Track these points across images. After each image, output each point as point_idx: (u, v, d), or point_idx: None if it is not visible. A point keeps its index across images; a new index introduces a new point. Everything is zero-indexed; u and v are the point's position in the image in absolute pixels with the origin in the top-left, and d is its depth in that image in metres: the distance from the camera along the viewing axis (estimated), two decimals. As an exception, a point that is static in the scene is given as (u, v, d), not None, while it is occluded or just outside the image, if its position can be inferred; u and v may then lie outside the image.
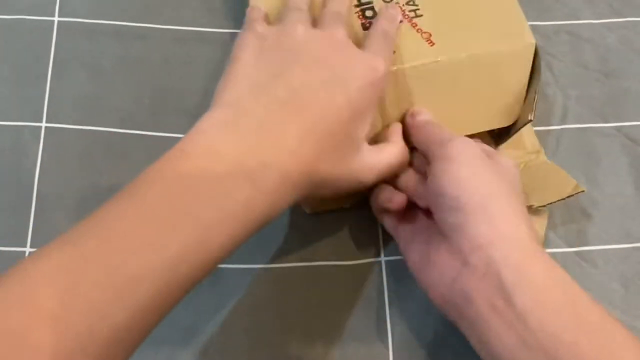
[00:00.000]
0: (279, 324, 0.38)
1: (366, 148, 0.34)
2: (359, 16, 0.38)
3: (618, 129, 0.44)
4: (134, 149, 0.42)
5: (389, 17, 0.37)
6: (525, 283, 0.29)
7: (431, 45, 0.36)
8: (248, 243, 0.40)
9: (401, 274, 0.39)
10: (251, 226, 0.29)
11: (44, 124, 0.42)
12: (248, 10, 0.38)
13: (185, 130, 0.42)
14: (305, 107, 0.31)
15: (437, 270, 0.32)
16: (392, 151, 0.36)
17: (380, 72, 0.33)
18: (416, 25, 0.37)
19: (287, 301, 0.39)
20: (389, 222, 0.38)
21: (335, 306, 0.38)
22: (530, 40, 0.37)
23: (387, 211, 0.37)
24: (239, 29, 0.46)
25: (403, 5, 0.38)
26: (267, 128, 0.30)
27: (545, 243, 0.40)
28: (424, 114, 0.37)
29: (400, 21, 0.37)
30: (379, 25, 0.36)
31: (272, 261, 0.39)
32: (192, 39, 0.46)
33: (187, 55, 0.45)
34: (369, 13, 0.38)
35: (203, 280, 0.29)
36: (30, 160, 0.41)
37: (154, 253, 0.26)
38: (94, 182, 0.41)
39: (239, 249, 0.40)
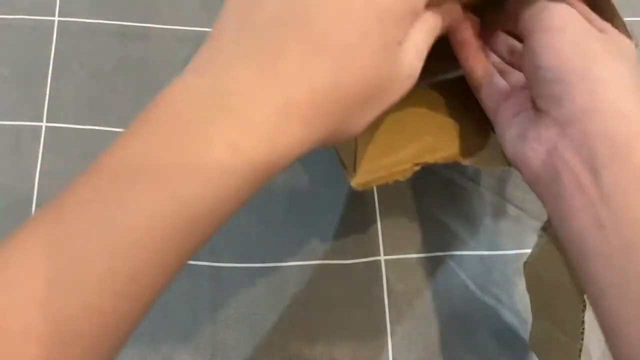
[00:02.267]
0: (279, 324, 0.38)
1: (405, 53, 0.27)
2: None
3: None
4: (134, 149, 0.42)
5: None
6: (619, 162, 0.26)
7: None
8: (248, 243, 0.41)
9: (401, 273, 0.39)
10: (242, 177, 0.23)
11: (44, 124, 0.42)
12: None
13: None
14: (307, 21, 0.25)
15: (533, 145, 0.29)
16: (432, 23, 0.29)
17: None
18: None
19: (287, 301, 0.39)
20: (487, 101, 0.33)
21: (335, 306, 0.39)
22: None
23: (484, 89, 0.34)
24: (239, 28, 0.47)
25: None
26: (254, 53, 0.24)
27: (545, 243, 0.40)
28: None
29: None
30: None
31: (271, 261, 0.39)
32: (192, 39, 0.46)
33: (188, 55, 0.45)
34: None
35: (202, 247, 0.25)
36: (31, 160, 0.41)
37: (108, 235, 0.22)
38: (94, 182, 0.41)
39: (236, 245, 0.40)
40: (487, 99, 0.33)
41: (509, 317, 0.38)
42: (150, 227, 0.22)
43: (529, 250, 0.40)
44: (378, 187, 0.41)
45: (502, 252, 0.40)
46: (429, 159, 0.36)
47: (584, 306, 0.31)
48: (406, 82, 0.28)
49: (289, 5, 0.25)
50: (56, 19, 0.46)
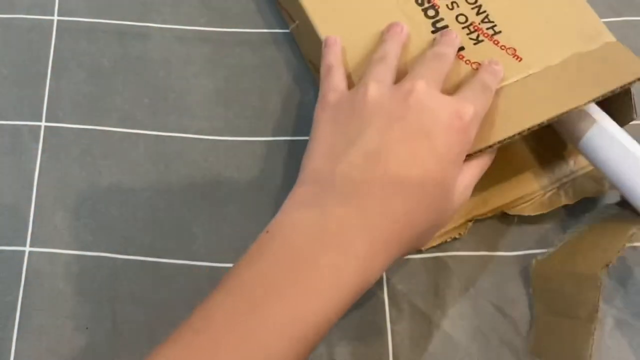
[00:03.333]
0: (279, 323, 0.38)
1: (458, 187, 0.33)
2: (464, 60, 0.37)
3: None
4: (133, 149, 0.42)
5: (491, 71, 0.36)
6: None
7: (519, 61, 0.36)
8: (248, 243, 0.40)
9: (401, 273, 0.39)
10: (345, 294, 0.29)
11: (43, 123, 0.42)
12: (321, 72, 0.37)
13: (185, 129, 0.43)
14: (384, 168, 0.31)
15: None
16: (479, 164, 0.35)
17: (467, 118, 0.32)
18: (498, 42, 0.37)
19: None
20: None
21: (335, 306, 0.38)
22: (612, 39, 0.37)
23: None
24: (238, 27, 0.47)
25: (479, 23, 0.38)
26: (348, 196, 0.31)
27: (546, 243, 0.40)
28: None
29: (481, 41, 0.37)
30: (480, 76, 0.35)
31: (272, 261, 0.39)
32: (192, 38, 0.46)
33: (187, 54, 0.45)
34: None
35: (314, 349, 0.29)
36: (30, 159, 0.41)
37: (244, 343, 0.27)
38: (94, 181, 0.41)
39: (236, 245, 0.40)
40: None
41: (509, 318, 0.38)
42: (281, 339, 0.28)
43: (529, 251, 0.40)
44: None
45: (502, 253, 0.40)
46: (478, 213, 0.39)
47: (600, 284, 0.34)
48: (458, 207, 0.34)
49: (371, 155, 0.31)
50: (55, 18, 0.46)
